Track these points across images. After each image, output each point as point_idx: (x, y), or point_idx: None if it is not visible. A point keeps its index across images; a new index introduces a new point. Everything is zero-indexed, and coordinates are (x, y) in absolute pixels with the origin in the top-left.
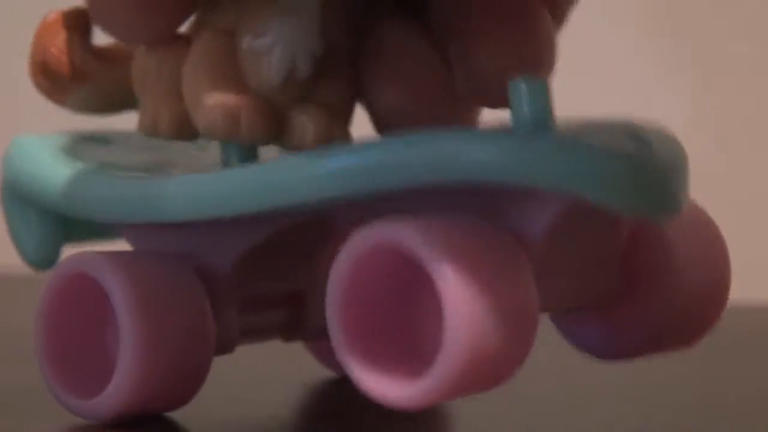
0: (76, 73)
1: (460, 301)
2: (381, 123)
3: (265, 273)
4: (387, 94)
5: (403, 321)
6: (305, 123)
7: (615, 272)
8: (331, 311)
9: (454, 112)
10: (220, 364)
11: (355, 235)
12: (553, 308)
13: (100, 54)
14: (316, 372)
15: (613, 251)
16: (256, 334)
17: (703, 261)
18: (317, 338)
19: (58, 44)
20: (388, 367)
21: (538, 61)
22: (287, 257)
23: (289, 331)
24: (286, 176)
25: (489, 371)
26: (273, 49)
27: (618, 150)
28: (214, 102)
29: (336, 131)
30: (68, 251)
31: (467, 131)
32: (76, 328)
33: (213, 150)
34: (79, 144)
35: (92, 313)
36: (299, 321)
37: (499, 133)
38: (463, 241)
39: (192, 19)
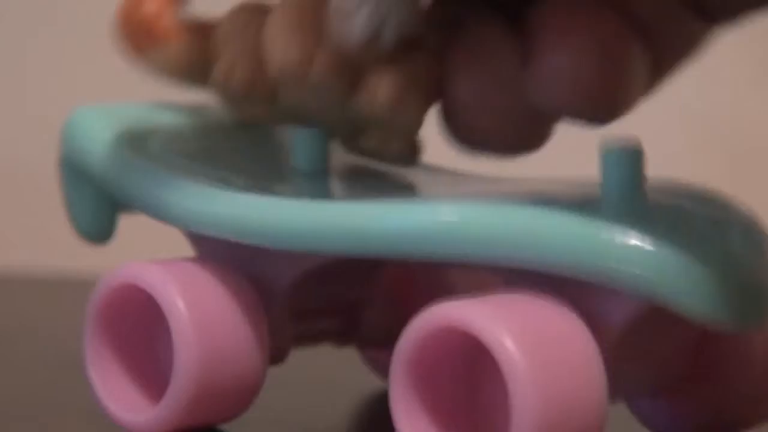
0: (162, 31)
1: (527, 395)
2: (451, 116)
3: (324, 285)
4: (462, 86)
5: (469, 402)
6: (378, 82)
7: (689, 355)
8: (395, 388)
9: (529, 118)
10: (273, 372)
11: (423, 314)
12: (623, 397)
13: (189, 23)
14: (372, 381)
15: (690, 337)
16: (309, 340)
17: None
18: (371, 346)
19: (151, 1)
20: None
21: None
22: (347, 269)
23: (343, 338)
24: (358, 227)
25: None
26: (360, 9)
27: (708, 260)
28: (290, 43)
29: (410, 100)
30: (119, 259)
31: (552, 210)
32: (126, 340)
33: (268, 145)
34: (140, 119)
35: (143, 325)
36: (354, 329)
37: (587, 219)
38: (531, 329)
39: None
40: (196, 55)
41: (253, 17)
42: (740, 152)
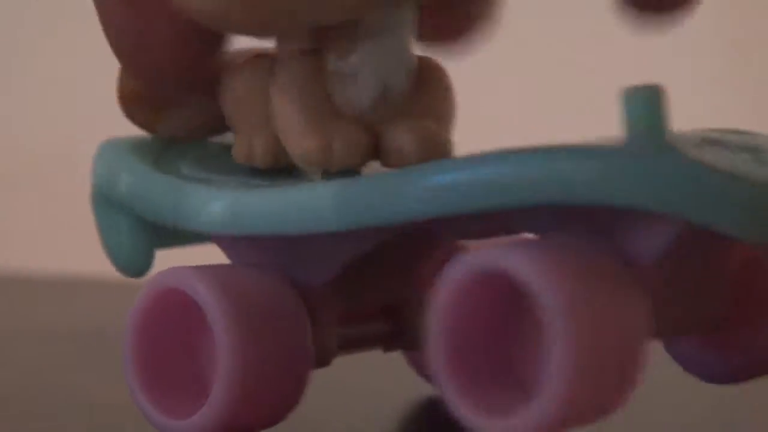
0: (164, 101)
1: (569, 332)
2: None
3: (364, 285)
4: None
5: (507, 349)
6: (403, 138)
7: (728, 296)
8: (433, 338)
9: None
10: (318, 376)
11: (458, 260)
12: (664, 334)
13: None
14: (417, 386)
15: (726, 274)
16: (354, 345)
17: None
18: (417, 348)
19: None
20: (488, 397)
21: None
22: (387, 269)
23: (389, 342)
24: (398, 191)
25: (596, 404)
26: (360, 71)
27: (738, 173)
28: (306, 133)
29: (437, 143)
30: (160, 263)
31: (578, 150)
32: (168, 345)
33: None
34: (163, 146)
35: (185, 330)
36: (399, 332)
37: (612, 151)
38: (571, 268)
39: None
40: (204, 113)
41: (252, 77)
42: None
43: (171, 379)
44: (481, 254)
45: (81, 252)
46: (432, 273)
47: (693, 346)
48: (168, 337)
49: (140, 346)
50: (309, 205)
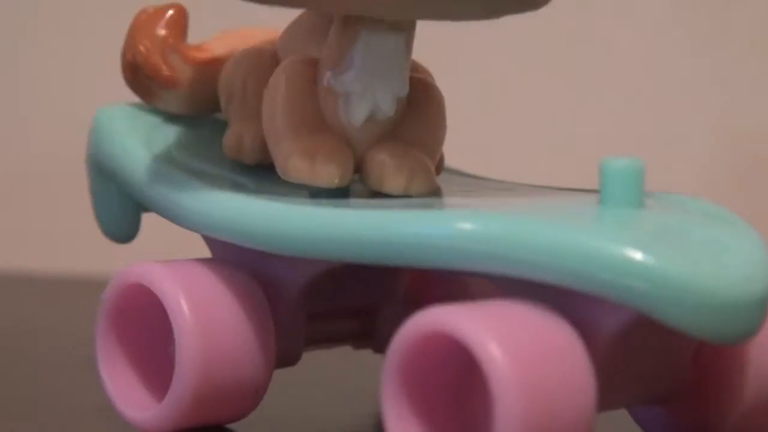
0: (164, 77)
1: (512, 402)
2: None
3: (339, 286)
4: None
5: (459, 407)
6: (386, 163)
7: (686, 365)
8: (387, 394)
9: None
10: (287, 374)
11: (413, 318)
12: (616, 406)
13: (191, 57)
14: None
15: (685, 349)
16: (324, 342)
17: None
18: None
19: (149, 44)
20: None
21: None
22: (363, 272)
23: (360, 340)
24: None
25: None
26: (353, 89)
27: (699, 274)
28: (291, 147)
29: (419, 173)
30: (127, 259)
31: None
32: (135, 338)
33: None
34: (163, 119)
35: (152, 324)
36: (371, 331)
37: (582, 230)
38: (518, 336)
39: (283, 36)
40: (202, 91)
41: (251, 70)
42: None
43: (138, 372)
44: (429, 315)
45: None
46: (407, 273)
47: (653, 412)
48: (137, 329)
49: (108, 340)
50: (283, 227)
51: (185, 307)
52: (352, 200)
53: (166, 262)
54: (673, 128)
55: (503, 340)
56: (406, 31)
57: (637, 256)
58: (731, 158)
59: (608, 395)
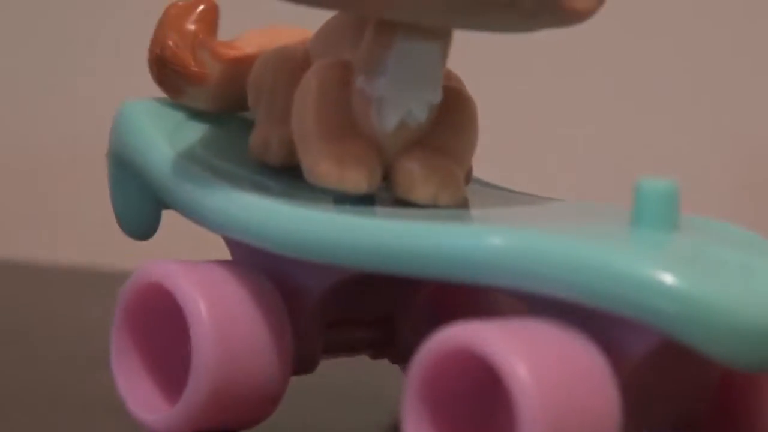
0: (192, 73)
1: (536, 422)
2: None
3: (359, 295)
4: None
5: (482, 425)
6: (415, 172)
7: (712, 394)
8: (407, 409)
9: None
10: (304, 382)
11: (436, 335)
12: (642, 429)
13: (220, 53)
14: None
15: (710, 377)
16: (342, 350)
17: None
18: (407, 360)
19: (178, 40)
20: None
21: None
22: (384, 281)
23: (378, 350)
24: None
25: None
26: (386, 95)
27: (728, 301)
28: (320, 153)
29: (448, 183)
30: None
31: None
32: (151, 338)
33: None
34: (187, 116)
35: (169, 325)
36: (389, 341)
37: (611, 250)
38: (545, 356)
39: (316, 37)
40: (230, 88)
41: (282, 69)
42: None
43: (154, 371)
44: (456, 331)
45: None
46: (428, 285)
47: None
48: (153, 329)
49: (123, 338)
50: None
51: (203, 310)
52: (378, 208)
53: (186, 263)
54: (689, 145)
55: (531, 361)
56: (442, 39)
57: (666, 278)
58: (748, 174)
59: (634, 418)
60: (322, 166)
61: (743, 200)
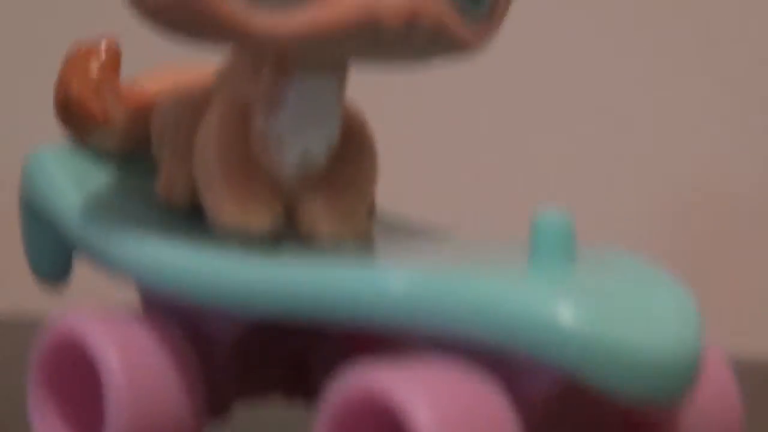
0: (95, 115)
1: None
2: None
3: (270, 337)
4: None
5: None
6: (318, 214)
7: (619, 428)
8: None
9: None
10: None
11: (337, 383)
12: None
13: (123, 95)
14: None
15: (616, 412)
16: (255, 393)
17: (712, 416)
18: (317, 401)
19: (82, 82)
20: None
21: None
22: (294, 323)
23: (292, 392)
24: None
25: None
26: (284, 132)
27: (627, 340)
28: (222, 194)
29: (350, 223)
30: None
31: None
32: (68, 388)
33: None
34: (95, 163)
35: (85, 374)
36: (302, 381)
37: (508, 292)
38: (446, 398)
39: (217, 74)
40: (135, 131)
41: (185, 109)
42: (726, 213)
43: (71, 421)
44: (359, 377)
45: None
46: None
47: None
48: (69, 380)
49: (40, 387)
50: (207, 279)
51: (116, 364)
52: (282, 250)
53: (99, 314)
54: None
55: (433, 407)
56: (339, 72)
57: (562, 318)
58: (673, 199)
59: None
60: (224, 208)
61: (679, 227)
